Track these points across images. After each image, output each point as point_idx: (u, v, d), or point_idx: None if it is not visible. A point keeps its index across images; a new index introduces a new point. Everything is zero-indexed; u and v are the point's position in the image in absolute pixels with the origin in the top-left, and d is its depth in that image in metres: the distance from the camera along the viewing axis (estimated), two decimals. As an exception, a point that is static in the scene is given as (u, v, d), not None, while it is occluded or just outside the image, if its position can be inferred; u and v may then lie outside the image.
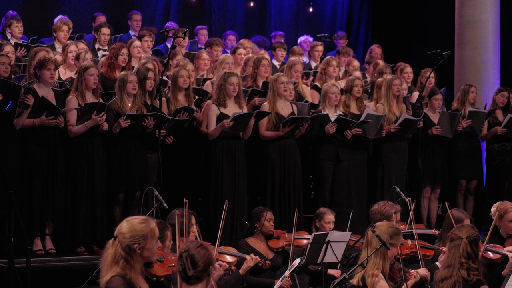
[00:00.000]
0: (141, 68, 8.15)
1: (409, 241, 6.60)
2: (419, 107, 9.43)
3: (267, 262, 6.69)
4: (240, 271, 6.37)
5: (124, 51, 8.40)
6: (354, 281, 5.24)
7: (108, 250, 4.13)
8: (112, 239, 4.15)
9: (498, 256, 6.37)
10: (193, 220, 6.25)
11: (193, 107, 8.08)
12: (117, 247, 4.10)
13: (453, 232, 5.30)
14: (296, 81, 9.18)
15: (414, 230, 6.57)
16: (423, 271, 6.01)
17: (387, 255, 5.24)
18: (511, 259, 6.22)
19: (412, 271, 5.96)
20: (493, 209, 6.83)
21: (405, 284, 5.65)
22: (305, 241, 6.90)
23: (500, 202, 6.86)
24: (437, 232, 7.38)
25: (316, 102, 9.19)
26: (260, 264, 6.58)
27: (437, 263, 6.11)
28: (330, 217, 7.21)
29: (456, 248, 5.17)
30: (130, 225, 4.17)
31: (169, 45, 10.74)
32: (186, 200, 5.66)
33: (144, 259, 4.15)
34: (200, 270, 4.03)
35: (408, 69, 10.26)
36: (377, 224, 5.44)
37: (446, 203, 7.00)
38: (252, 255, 6.45)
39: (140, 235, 4.12)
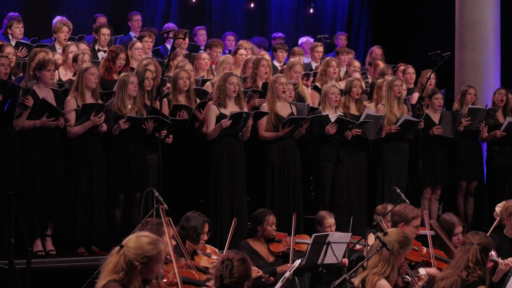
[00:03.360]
0: (139, 69, 8.15)
1: (424, 249, 6.53)
2: (419, 108, 9.43)
3: (271, 278, 6.63)
4: None
5: (122, 55, 8.39)
6: (356, 281, 5.22)
7: (111, 257, 4.08)
8: (118, 247, 4.10)
9: (490, 264, 6.36)
10: (206, 228, 6.21)
11: (193, 107, 8.08)
12: (120, 258, 4.05)
13: (467, 237, 5.33)
14: (296, 82, 9.18)
15: (429, 237, 6.49)
16: (432, 270, 5.96)
17: (396, 264, 5.22)
18: (500, 266, 6.25)
19: (421, 273, 5.90)
20: (497, 209, 6.83)
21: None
22: (306, 246, 6.87)
23: (506, 201, 6.87)
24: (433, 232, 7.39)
25: (316, 102, 9.19)
26: (263, 279, 6.55)
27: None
28: (329, 221, 7.22)
29: (466, 252, 5.20)
30: (138, 242, 4.10)
31: (168, 46, 10.73)
32: (162, 207, 5.54)
33: (143, 277, 4.12)
34: (234, 282, 4.17)
35: (410, 69, 10.25)
36: (389, 230, 5.39)
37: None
38: (256, 269, 6.41)
39: (145, 255, 4.07)
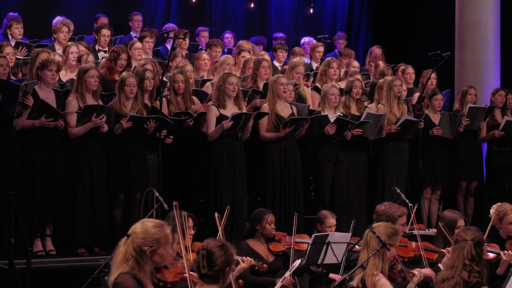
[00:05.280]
0: (138, 69, 8.16)
1: (413, 244, 6.59)
2: (419, 108, 9.43)
3: (264, 265, 6.65)
4: (234, 273, 6.34)
5: (123, 56, 8.40)
6: (354, 282, 5.24)
7: (120, 248, 4.10)
8: (125, 237, 4.11)
9: (494, 255, 6.41)
10: (190, 223, 6.21)
11: (192, 111, 8.09)
12: (129, 246, 4.07)
13: (459, 234, 5.33)
14: (297, 83, 9.17)
15: (417, 232, 6.56)
16: (427, 271, 6.04)
17: (386, 256, 5.24)
18: (504, 257, 6.29)
19: (414, 270, 5.96)
20: (492, 210, 6.86)
21: (411, 283, 5.66)
22: (306, 245, 6.88)
23: (499, 204, 6.90)
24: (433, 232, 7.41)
25: (317, 103, 9.19)
26: (256, 268, 6.55)
27: (439, 265, 6.13)
28: (331, 221, 7.21)
29: (461, 250, 5.19)
30: (144, 226, 4.13)
31: (168, 47, 10.74)
32: (176, 203, 5.63)
33: (153, 263, 4.13)
34: (216, 270, 4.00)
35: (410, 69, 10.24)
36: (375, 225, 5.44)
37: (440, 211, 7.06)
38: (248, 258, 6.42)
39: (153, 238, 4.09)
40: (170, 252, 4.24)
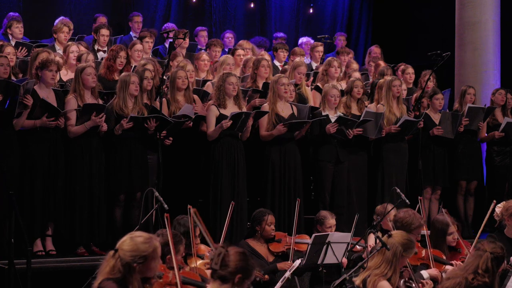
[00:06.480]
0: (139, 69, 8.16)
1: (423, 252, 6.54)
2: (418, 109, 9.43)
3: (266, 276, 6.62)
4: None
5: (122, 54, 8.40)
6: (357, 281, 5.21)
7: (108, 261, 4.06)
8: (113, 251, 4.07)
9: None
10: (198, 231, 6.20)
11: (191, 114, 8.10)
12: (117, 261, 4.04)
13: (482, 243, 5.32)
14: (299, 83, 9.16)
15: (427, 239, 6.50)
16: (433, 271, 6.01)
17: (398, 266, 5.19)
18: None
19: (424, 277, 5.91)
20: (497, 209, 6.83)
21: None
22: (306, 246, 6.87)
23: (506, 201, 6.87)
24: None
25: (318, 103, 9.18)
26: (258, 279, 6.54)
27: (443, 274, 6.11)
28: (331, 221, 7.21)
29: (478, 258, 5.17)
30: (133, 243, 4.08)
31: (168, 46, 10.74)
32: (167, 215, 5.58)
33: (142, 275, 4.11)
34: (228, 272, 3.96)
35: (410, 70, 10.25)
36: (393, 232, 5.35)
37: (442, 207, 7.02)
38: None
39: (141, 255, 4.06)
40: (158, 265, 4.22)
